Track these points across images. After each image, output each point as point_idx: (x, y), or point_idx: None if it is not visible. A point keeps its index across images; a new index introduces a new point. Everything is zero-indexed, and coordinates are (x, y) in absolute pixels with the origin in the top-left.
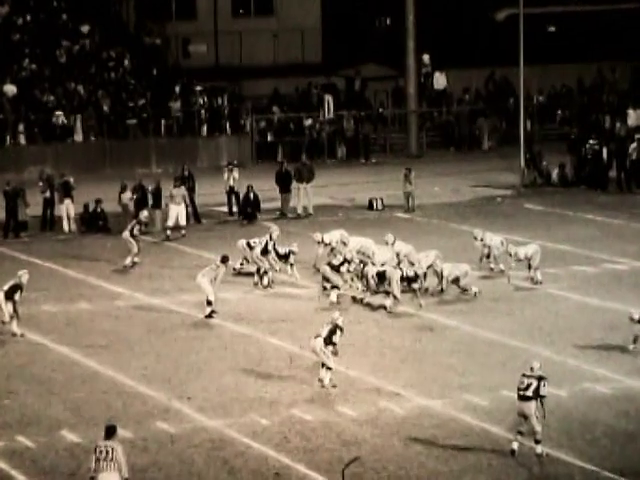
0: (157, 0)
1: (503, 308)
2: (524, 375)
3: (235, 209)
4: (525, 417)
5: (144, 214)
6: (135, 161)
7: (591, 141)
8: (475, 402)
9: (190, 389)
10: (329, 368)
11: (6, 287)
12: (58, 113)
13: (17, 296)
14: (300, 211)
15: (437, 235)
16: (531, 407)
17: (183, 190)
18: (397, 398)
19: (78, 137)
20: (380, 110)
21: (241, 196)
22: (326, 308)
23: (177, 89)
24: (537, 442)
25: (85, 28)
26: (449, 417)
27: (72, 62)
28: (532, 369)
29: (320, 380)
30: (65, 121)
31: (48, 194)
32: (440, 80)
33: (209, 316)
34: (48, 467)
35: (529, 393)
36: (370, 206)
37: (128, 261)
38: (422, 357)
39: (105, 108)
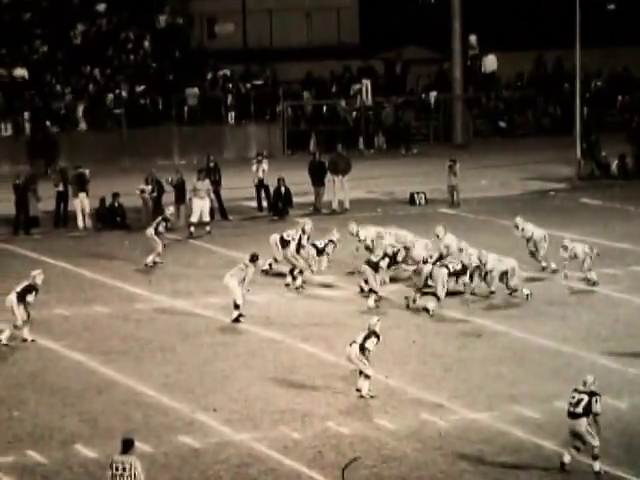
0: None
1: (556, 312)
2: (576, 390)
3: (265, 204)
4: (576, 435)
5: (170, 210)
6: (156, 152)
7: None
8: (526, 414)
9: (216, 400)
10: (367, 376)
11: (19, 288)
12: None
13: (30, 298)
14: (335, 206)
15: (485, 232)
16: (582, 425)
17: (207, 183)
18: (440, 410)
19: (82, 126)
20: (423, 96)
21: (271, 190)
22: (364, 311)
23: (196, 73)
24: (595, 458)
25: (101, 7)
26: (497, 431)
27: (87, 44)
28: (585, 384)
29: (358, 390)
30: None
31: (61, 187)
32: (490, 62)
33: (236, 320)
34: None
35: (579, 410)
36: (411, 201)
37: (150, 260)
38: (468, 365)
39: (124, 94)
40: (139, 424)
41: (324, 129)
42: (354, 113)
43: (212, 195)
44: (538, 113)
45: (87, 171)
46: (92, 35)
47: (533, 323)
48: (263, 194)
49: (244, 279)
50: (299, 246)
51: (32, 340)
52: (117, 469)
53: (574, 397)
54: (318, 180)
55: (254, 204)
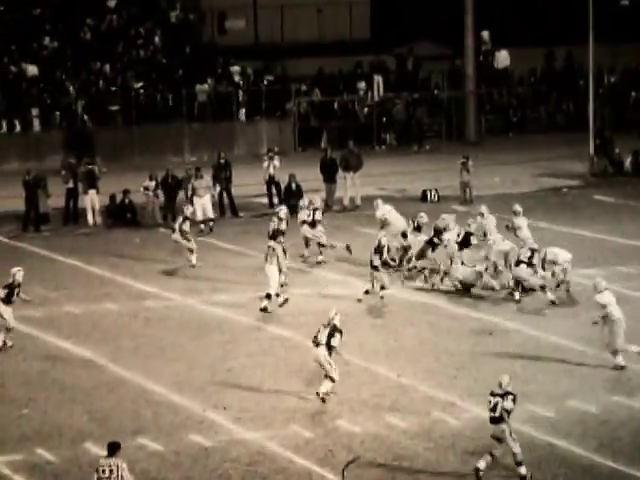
0: None
1: (568, 310)
2: (492, 394)
3: (276, 200)
4: (499, 440)
5: (189, 209)
6: (167, 148)
7: None
8: (539, 413)
9: (226, 398)
10: (332, 380)
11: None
12: None
13: (1, 294)
14: (347, 203)
15: (497, 229)
16: (505, 429)
17: (207, 180)
18: (452, 408)
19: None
20: (435, 92)
21: (282, 186)
22: (373, 309)
23: (207, 69)
24: (518, 464)
25: (112, 2)
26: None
27: (98, 40)
28: (501, 385)
29: (318, 394)
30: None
31: (71, 184)
32: (502, 58)
33: (264, 310)
34: None
35: (497, 414)
36: (424, 198)
37: (194, 260)
38: (480, 363)
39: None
40: (149, 422)
41: (335, 126)
42: (365, 109)
43: (213, 191)
44: (551, 109)
45: (97, 168)
46: (102, 31)
47: (545, 321)
48: (274, 190)
49: (278, 261)
50: (314, 223)
51: (11, 346)
52: (103, 472)
53: (490, 401)
54: (329, 177)
55: (265, 201)
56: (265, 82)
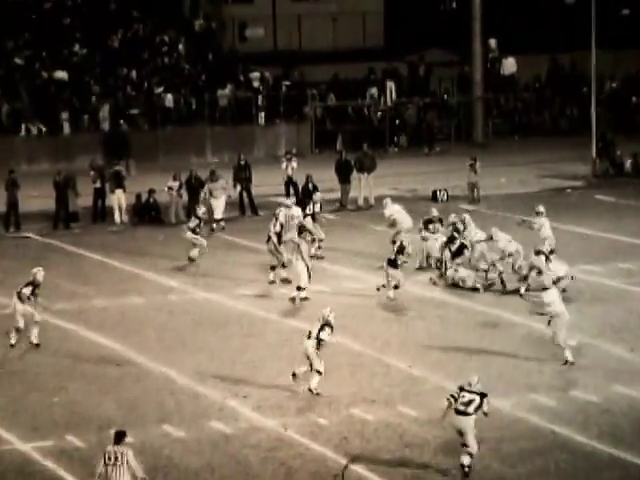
0: None
1: (572, 304)
2: (463, 389)
3: (293, 200)
4: (461, 433)
5: (202, 210)
6: (190, 150)
7: None
8: (542, 402)
9: (246, 387)
10: (319, 372)
11: (23, 288)
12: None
13: (27, 291)
14: (361, 202)
15: (503, 228)
16: (470, 424)
17: (222, 182)
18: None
19: (105, 126)
20: (445, 97)
21: (299, 186)
22: (385, 303)
23: (228, 75)
24: (470, 455)
25: (138, 12)
26: (515, 418)
27: (124, 47)
28: (470, 384)
29: (310, 390)
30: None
31: (99, 184)
32: (509, 65)
33: (304, 298)
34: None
35: (470, 410)
36: (434, 197)
37: (195, 253)
38: (487, 355)
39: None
40: (172, 411)
41: (350, 129)
42: (379, 114)
43: (232, 192)
44: (555, 113)
45: (123, 169)
46: (129, 39)
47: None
48: (292, 190)
49: (302, 256)
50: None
51: (37, 344)
52: (109, 459)
53: (464, 396)
54: (344, 177)
55: (283, 200)
56: (283, 87)
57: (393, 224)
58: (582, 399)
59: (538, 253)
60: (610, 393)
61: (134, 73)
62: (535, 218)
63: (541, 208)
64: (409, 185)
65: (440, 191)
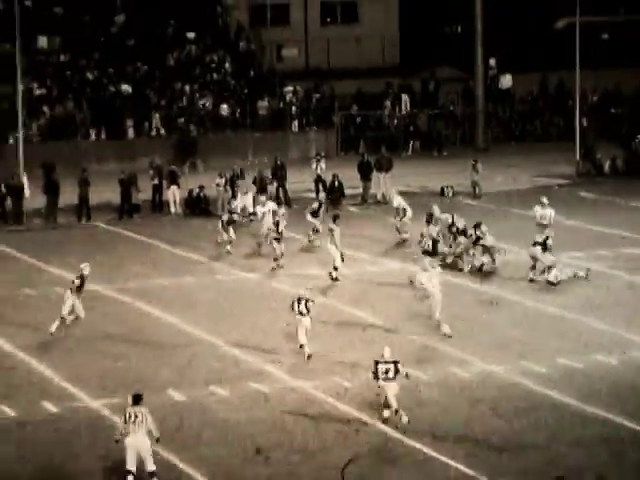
0: (255, 10)
1: (560, 285)
2: (379, 362)
3: (322, 195)
4: (386, 396)
5: (234, 203)
6: (234, 153)
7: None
8: (534, 368)
9: (281, 354)
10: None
11: (76, 281)
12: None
13: (80, 288)
14: (379, 197)
15: (501, 219)
16: (394, 388)
17: (245, 181)
18: (464, 364)
19: (160, 132)
20: (451, 108)
21: (327, 184)
22: (404, 285)
23: (267, 89)
24: (396, 412)
25: (191, 35)
26: (510, 382)
27: (179, 65)
28: (383, 357)
29: (310, 357)
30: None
31: (157, 181)
32: (506, 81)
33: (335, 279)
34: (156, 423)
35: (391, 375)
36: (441, 193)
37: (222, 238)
38: (487, 328)
39: (208, 105)
40: (218, 373)
41: (371, 135)
42: (395, 122)
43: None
44: (545, 123)
45: (178, 168)
46: (183, 58)
47: (542, 294)
48: (320, 187)
49: (334, 240)
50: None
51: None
52: (130, 416)
53: (382, 367)
54: (365, 176)
55: (313, 195)
56: (314, 100)
57: (403, 213)
58: (568, 366)
59: (534, 245)
60: (591, 361)
61: (187, 87)
62: (539, 208)
63: (545, 200)
64: (420, 183)
65: (447, 188)
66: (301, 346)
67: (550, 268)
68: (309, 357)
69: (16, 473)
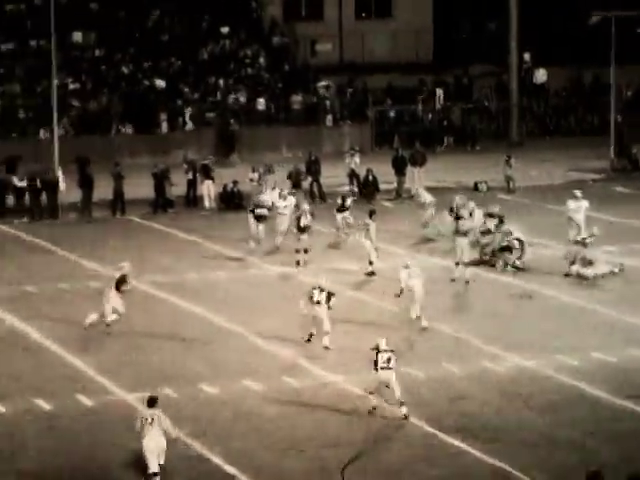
0: (289, 5)
1: (594, 280)
2: (380, 351)
3: (356, 189)
4: (387, 386)
5: (261, 197)
6: (268, 147)
7: None
8: (567, 362)
9: (314, 349)
10: (328, 332)
11: (116, 279)
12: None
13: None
14: (414, 192)
15: (535, 214)
16: (394, 376)
17: (274, 176)
18: (497, 358)
19: (189, 127)
20: (485, 103)
21: (361, 178)
22: (437, 279)
23: (301, 83)
24: (401, 404)
25: (225, 29)
26: (544, 375)
27: (213, 60)
28: (379, 346)
29: (325, 347)
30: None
31: (191, 175)
32: (540, 75)
33: (371, 274)
34: (190, 415)
35: (392, 365)
36: (475, 188)
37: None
38: (521, 322)
39: (242, 99)
40: (251, 367)
41: (405, 129)
42: (429, 116)
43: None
44: (579, 118)
45: (210, 162)
46: (217, 52)
47: (576, 289)
48: (355, 181)
49: (369, 235)
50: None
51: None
52: (145, 419)
53: (383, 357)
54: (400, 171)
55: (347, 189)
56: (348, 94)
57: (432, 207)
58: (600, 359)
59: (576, 243)
60: (625, 355)
61: (221, 82)
62: (572, 201)
63: (578, 193)
64: (454, 177)
65: (480, 182)
66: (311, 334)
67: (590, 263)
68: (309, 338)
69: (53, 466)
